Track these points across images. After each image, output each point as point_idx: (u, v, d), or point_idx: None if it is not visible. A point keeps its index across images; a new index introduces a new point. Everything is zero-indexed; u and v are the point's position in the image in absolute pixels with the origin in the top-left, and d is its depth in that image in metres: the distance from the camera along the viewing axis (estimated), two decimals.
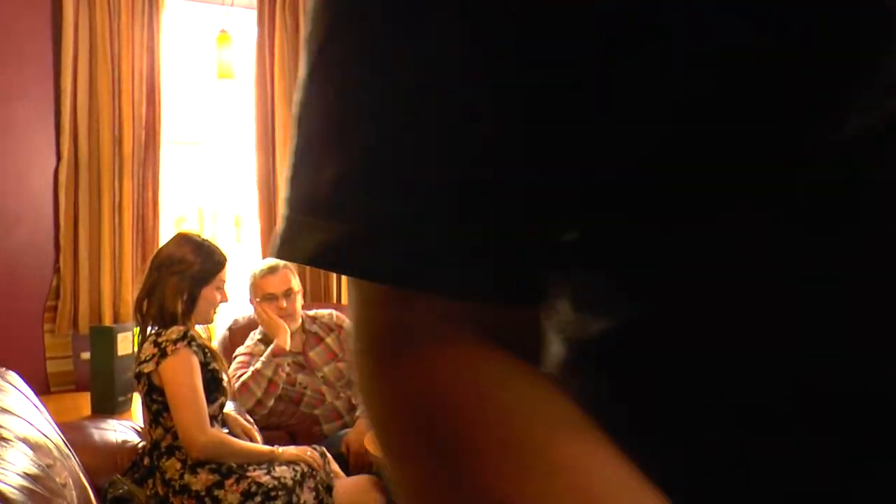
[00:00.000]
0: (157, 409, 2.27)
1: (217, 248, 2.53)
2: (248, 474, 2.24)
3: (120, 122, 3.58)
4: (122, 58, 3.58)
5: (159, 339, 2.27)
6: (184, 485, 2.21)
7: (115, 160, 3.57)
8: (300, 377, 3.15)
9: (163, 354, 2.23)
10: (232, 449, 2.29)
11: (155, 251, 2.59)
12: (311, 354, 3.22)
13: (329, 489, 2.41)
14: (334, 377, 3.22)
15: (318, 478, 2.38)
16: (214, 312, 2.52)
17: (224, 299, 2.53)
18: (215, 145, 4.12)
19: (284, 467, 2.32)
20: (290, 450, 2.42)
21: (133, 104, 3.62)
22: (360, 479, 2.60)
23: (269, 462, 2.32)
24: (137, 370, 2.30)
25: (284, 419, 3.02)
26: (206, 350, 2.34)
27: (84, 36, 3.50)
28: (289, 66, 3.97)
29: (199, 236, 2.55)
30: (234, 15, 3.96)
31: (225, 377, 2.42)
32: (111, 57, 3.55)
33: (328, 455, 2.56)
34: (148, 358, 2.26)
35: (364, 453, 2.69)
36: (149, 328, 2.36)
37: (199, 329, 2.47)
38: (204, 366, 2.28)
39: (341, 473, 2.64)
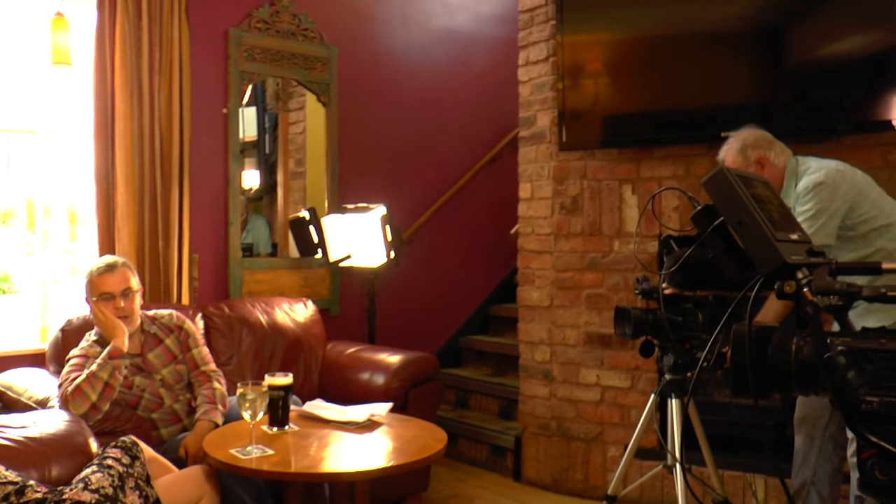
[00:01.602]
0: None
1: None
2: (66, 497, 2.14)
3: None
4: None
5: None
6: None
7: None
8: (138, 380, 3.07)
9: None
10: None
11: None
12: (150, 356, 3.13)
13: (147, 479, 2.35)
14: (173, 380, 3.15)
15: (135, 473, 2.32)
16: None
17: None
18: (49, 135, 3.91)
19: (100, 474, 2.23)
20: None
21: None
22: (192, 471, 2.57)
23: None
24: None
25: (119, 424, 2.92)
26: None
27: None
28: (131, 53, 3.82)
29: None
30: None
31: None
32: None
33: (140, 443, 2.48)
34: None
35: (203, 456, 2.65)
36: None
37: None
38: None
39: (172, 467, 2.60)
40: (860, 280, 2.69)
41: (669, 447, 2.68)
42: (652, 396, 2.73)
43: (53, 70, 3.68)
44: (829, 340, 1.31)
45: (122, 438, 2.44)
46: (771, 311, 2.56)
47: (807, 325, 1.28)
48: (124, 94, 3.80)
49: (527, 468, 4.23)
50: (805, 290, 1.20)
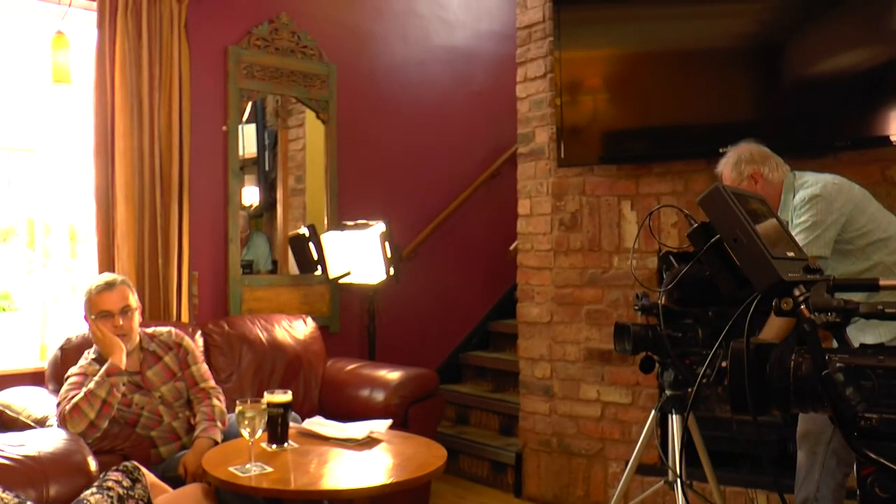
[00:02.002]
0: None
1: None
2: None
3: None
4: None
5: None
6: None
7: None
8: (136, 397, 3.06)
9: None
10: None
11: None
12: (149, 374, 3.13)
13: (148, 502, 2.34)
14: (172, 397, 3.14)
15: (136, 495, 2.31)
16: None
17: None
18: (48, 153, 3.92)
19: (99, 496, 2.22)
20: None
21: None
22: (191, 489, 2.56)
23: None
24: None
25: (118, 442, 2.91)
26: None
27: None
28: (131, 72, 3.84)
29: None
30: (72, 16, 3.79)
31: None
32: None
33: (141, 468, 2.47)
34: None
35: (202, 474, 2.64)
36: None
37: None
38: None
39: (168, 488, 2.58)
40: (857, 296, 2.70)
41: (670, 463, 2.67)
42: (652, 412, 2.73)
43: (54, 88, 3.70)
44: (827, 357, 1.31)
45: (125, 463, 2.44)
46: (774, 326, 2.55)
47: (805, 341, 1.28)
48: (124, 112, 3.82)
49: (528, 484, 4.22)
50: (802, 307, 1.20)
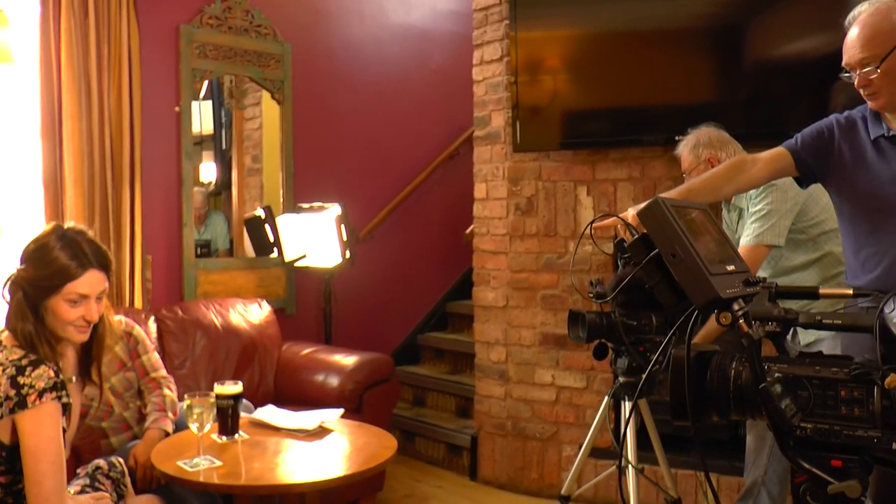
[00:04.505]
0: None
1: (59, 251, 2.10)
2: None
3: None
4: None
5: (20, 380, 1.97)
6: None
7: None
8: (86, 389, 3.00)
9: (21, 404, 1.95)
10: None
11: None
12: None
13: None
14: (122, 387, 3.10)
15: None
16: (75, 328, 2.14)
17: (87, 316, 2.16)
18: None
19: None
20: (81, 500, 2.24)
21: None
22: (145, 499, 2.52)
23: None
24: None
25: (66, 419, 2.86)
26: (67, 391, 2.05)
27: None
28: (78, 51, 3.73)
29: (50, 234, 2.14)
30: None
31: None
32: None
33: (125, 468, 2.47)
34: (1, 399, 1.95)
35: (151, 466, 2.61)
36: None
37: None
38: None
39: (131, 492, 2.55)
40: (806, 275, 2.74)
41: (622, 449, 2.70)
42: (605, 398, 2.75)
43: None
44: (766, 366, 1.32)
45: (114, 458, 2.47)
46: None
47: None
48: (72, 93, 3.72)
49: (483, 467, 4.24)
50: (741, 321, 1.20)
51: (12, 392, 1.94)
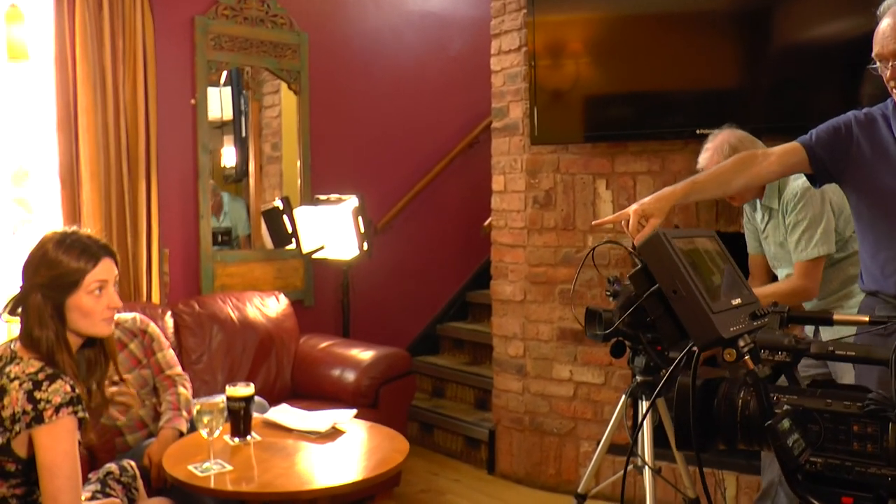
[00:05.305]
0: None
1: (63, 254, 2.08)
2: None
3: None
4: None
5: (37, 395, 1.95)
6: None
7: None
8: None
9: (38, 419, 1.93)
10: None
11: None
12: None
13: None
14: (138, 385, 3.11)
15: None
16: (103, 320, 2.11)
17: (111, 303, 2.11)
18: (9, 132, 3.81)
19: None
20: None
21: None
22: (156, 502, 2.53)
23: None
24: None
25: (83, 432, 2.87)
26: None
27: None
28: (92, 45, 3.72)
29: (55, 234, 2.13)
30: None
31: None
32: None
33: (136, 471, 2.48)
34: (18, 414, 1.94)
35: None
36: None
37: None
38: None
39: (144, 495, 2.56)
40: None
41: (639, 449, 2.66)
42: (623, 398, 2.70)
43: (10, 66, 3.58)
44: (775, 398, 1.27)
45: (126, 462, 2.47)
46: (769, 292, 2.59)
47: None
48: (87, 88, 3.71)
49: (500, 461, 4.22)
50: (746, 358, 1.15)
51: (29, 407, 1.93)
